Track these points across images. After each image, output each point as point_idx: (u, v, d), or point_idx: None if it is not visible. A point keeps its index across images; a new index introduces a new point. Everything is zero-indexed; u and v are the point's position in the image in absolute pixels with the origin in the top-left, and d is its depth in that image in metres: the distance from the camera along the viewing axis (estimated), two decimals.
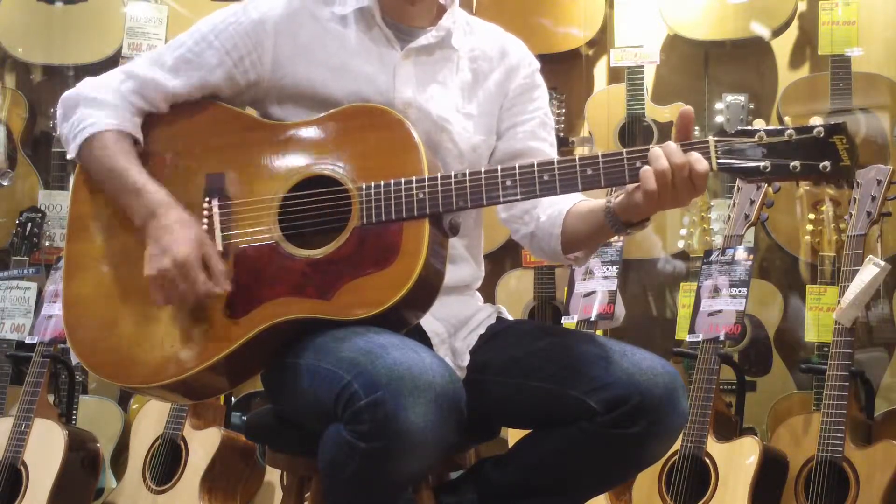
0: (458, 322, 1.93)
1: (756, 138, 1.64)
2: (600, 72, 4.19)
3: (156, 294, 1.79)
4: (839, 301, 2.95)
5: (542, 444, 1.84)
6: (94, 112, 1.87)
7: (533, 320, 3.76)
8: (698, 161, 1.65)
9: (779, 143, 1.64)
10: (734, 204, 3.22)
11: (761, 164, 1.64)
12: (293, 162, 1.83)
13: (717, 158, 1.66)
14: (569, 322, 3.32)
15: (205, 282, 1.77)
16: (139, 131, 1.90)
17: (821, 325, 3.20)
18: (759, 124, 1.68)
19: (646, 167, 1.67)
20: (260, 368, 1.89)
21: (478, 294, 2.05)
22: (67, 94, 1.92)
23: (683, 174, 1.65)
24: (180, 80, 1.89)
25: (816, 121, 1.64)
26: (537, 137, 2.02)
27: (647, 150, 1.68)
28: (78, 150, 1.88)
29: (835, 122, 1.63)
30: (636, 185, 1.70)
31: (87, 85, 1.92)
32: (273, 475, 3.45)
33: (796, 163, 1.63)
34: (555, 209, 1.95)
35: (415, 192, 1.73)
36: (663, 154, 1.66)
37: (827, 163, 1.62)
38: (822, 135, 1.62)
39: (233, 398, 3.64)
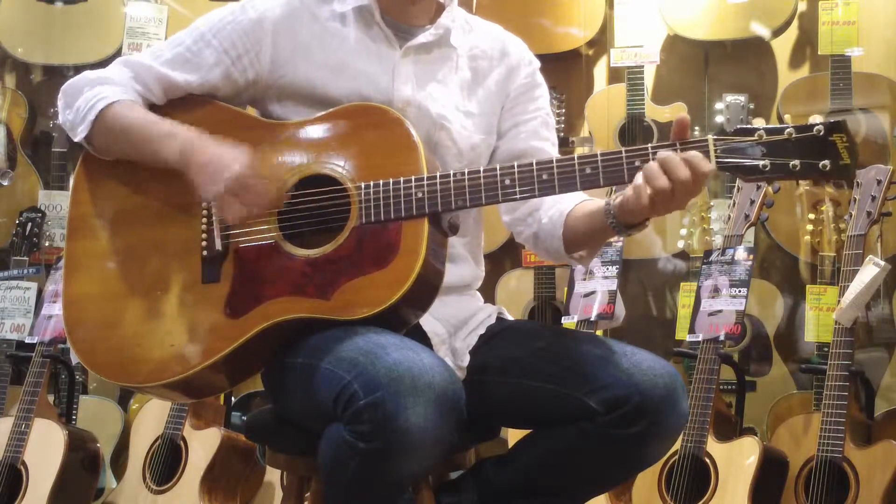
0: (458, 322, 1.93)
1: (756, 137, 1.64)
2: (600, 72, 4.19)
3: (224, 213, 1.78)
4: (839, 301, 2.95)
5: (542, 445, 1.84)
6: (105, 87, 1.87)
7: (533, 321, 3.75)
8: (701, 162, 1.63)
9: (778, 142, 1.63)
10: (734, 204, 3.22)
11: (761, 162, 1.64)
12: (292, 161, 1.83)
13: (717, 157, 1.65)
14: (569, 322, 3.32)
15: (265, 188, 1.77)
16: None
17: (821, 325, 3.20)
18: (758, 123, 1.68)
19: (640, 182, 1.65)
20: (260, 368, 1.89)
21: (478, 294, 2.05)
22: (69, 83, 1.92)
23: (687, 185, 1.63)
24: (177, 75, 1.89)
25: (816, 119, 1.64)
26: (539, 137, 2.02)
27: (646, 148, 1.68)
28: (91, 126, 1.86)
29: (834, 120, 1.63)
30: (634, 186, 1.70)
31: (87, 73, 1.92)
32: (273, 475, 3.45)
33: (796, 161, 1.62)
34: (556, 210, 1.95)
35: (414, 191, 1.73)
36: (662, 173, 1.63)
37: (827, 161, 1.61)
38: (821, 133, 1.62)
39: (233, 398, 3.63)
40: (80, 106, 1.87)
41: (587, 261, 2.00)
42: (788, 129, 1.63)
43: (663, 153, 1.65)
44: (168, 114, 1.90)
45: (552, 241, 1.95)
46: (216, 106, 1.91)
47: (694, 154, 1.63)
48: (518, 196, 1.73)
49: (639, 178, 1.66)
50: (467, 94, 1.97)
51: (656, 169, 1.64)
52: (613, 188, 1.80)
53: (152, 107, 1.91)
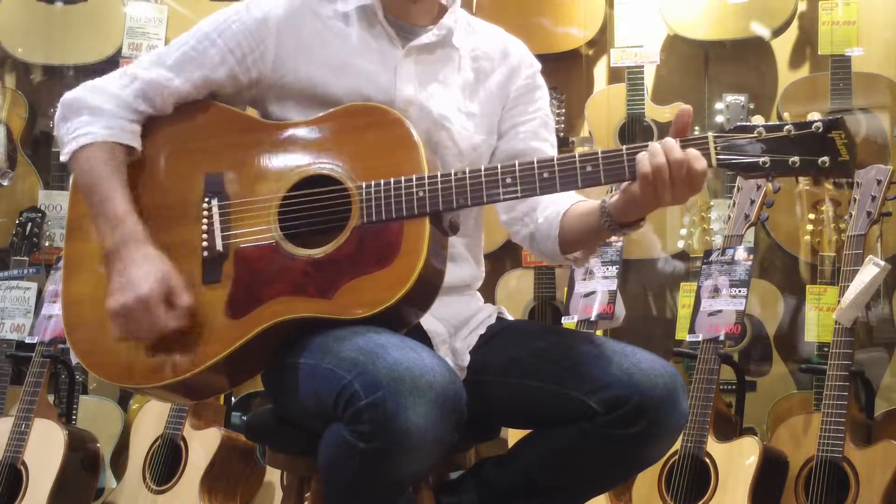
0: (458, 322, 1.93)
1: (755, 134, 1.65)
2: (600, 72, 4.20)
3: (113, 328, 1.78)
4: (839, 301, 2.95)
5: (542, 445, 1.85)
6: (91, 120, 1.86)
7: (533, 320, 3.75)
8: (696, 159, 1.65)
9: (778, 139, 1.64)
10: (734, 204, 3.22)
11: (760, 159, 1.64)
12: (293, 161, 1.83)
13: (717, 154, 1.66)
14: (569, 322, 3.32)
15: (164, 318, 1.76)
16: (137, 139, 1.89)
17: (821, 325, 3.20)
18: (758, 120, 1.68)
19: (642, 153, 1.67)
20: (260, 368, 1.89)
21: (478, 294, 2.05)
22: (68, 95, 1.91)
23: (681, 172, 1.65)
24: (183, 78, 1.89)
25: (815, 116, 1.64)
26: (539, 137, 2.02)
27: (647, 146, 1.68)
28: (69, 157, 1.87)
29: (833, 117, 1.64)
30: (632, 182, 1.70)
31: (87, 88, 1.90)
32: (273, 475, 3.45)
33: (795, 158, 1.63)
34: (552, 210, 1.95)
35: (415, 190, 1.73)
36: (661, 151, 1.66)
37: (826, 158, 1.62)
38: (820, 130, 1.63)
39: (233, 398, 3.64)
40: (70, 128, 1.87)
41: (581, 262, 2.01)
42: (788, 126, 1.64)
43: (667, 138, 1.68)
44: (170, 120, 1.90)
45: (547, 242, 1.95)
46: (216, 107, 1.91)
47: (692, 150, 1.65)
48: (520, 194, 1.73)
49: (642, 154, 1.67)
50: (469, 95, 1.97)
51: (657, 147, 1.66)
52: (612, 188, 1.80)
53: (153, 118, 1.91)
